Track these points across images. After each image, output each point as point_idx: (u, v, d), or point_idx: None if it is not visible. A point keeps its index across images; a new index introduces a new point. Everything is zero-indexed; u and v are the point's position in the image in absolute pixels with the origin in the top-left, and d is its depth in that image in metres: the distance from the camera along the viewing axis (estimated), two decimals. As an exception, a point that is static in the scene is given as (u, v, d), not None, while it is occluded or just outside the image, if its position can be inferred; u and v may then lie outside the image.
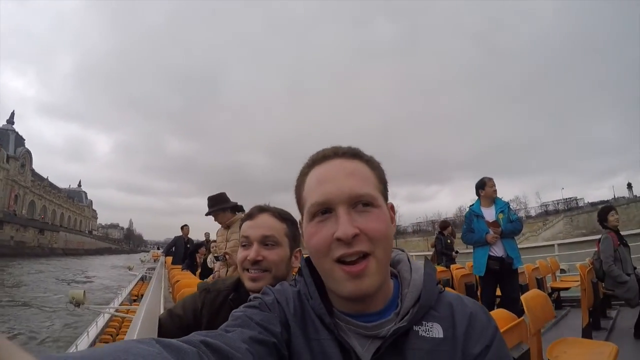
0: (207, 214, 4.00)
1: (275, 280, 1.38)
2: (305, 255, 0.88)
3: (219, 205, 3.97)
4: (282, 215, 1.48)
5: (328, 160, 0.81)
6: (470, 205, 5.11)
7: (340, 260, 0.74)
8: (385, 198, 0.82)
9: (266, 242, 1.41)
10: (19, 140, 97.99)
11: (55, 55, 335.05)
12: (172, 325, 1.52)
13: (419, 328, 0.77)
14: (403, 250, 0.92)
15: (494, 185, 4.88)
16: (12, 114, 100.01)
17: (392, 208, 0.84)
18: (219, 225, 4.16)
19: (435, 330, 0.76)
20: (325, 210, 0.77)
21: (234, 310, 0.79)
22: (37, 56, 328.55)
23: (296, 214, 1.53)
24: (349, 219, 0.74)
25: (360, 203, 0.76)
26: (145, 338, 0.48)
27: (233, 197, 4.11)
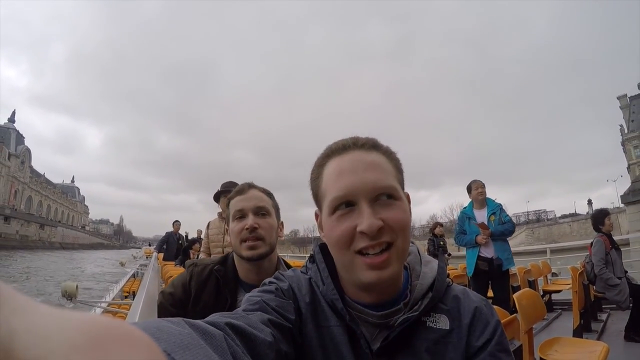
0: (225, 190, 3.80)
1: (269, 248, 1.52)
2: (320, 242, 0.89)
3: None
4: (267, 191, 1.64)
5: (347, 152, 0.80)
6: (463, 208, 5.18)
7: (362, 252, 0.74)
8: (403, 188, 0.82)
9: (259, 212, 1.55)
10: (20, 138, 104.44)
11: (48, 45, 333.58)
12: (166, 304, 1.60)
13: (427, 319, 0.78)
14: (413, 243, 0.92)
15: (479, 188, 4.97)
16: (13, 113, 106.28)
17: (407, 197, 0.84)
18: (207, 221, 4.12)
19: (443, 322, 0.78)
20: (347, 203, 0.77)
21: (249, 294, 0.78)
22: (31, 45, 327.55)
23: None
24: (373, 212, 0.74)
25: (383, 195, 0.76)
26: (175, 318, 0.47)
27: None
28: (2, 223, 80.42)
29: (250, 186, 1.62)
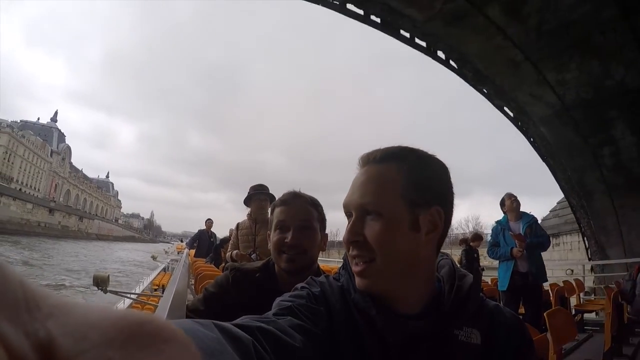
0: (256, 193, 3.84)
1: (309, 261, 1.50)
2: None
3: (271, 197, 3.84)
4: (314, 202, 1.57)
5: (361, 166, 0.83)
6: (498, 220, 5.01)
7: (353, 258, 0.79)
8: (418, 204, 0.78)
9: (302, 226, 1.49)
10: (61, 136, 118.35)
11: (84, 43, 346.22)
12: (210, 299, 1.59)
13: (459, 332, 0.77)
14: (447, 256, 0.91)
15: (512, 197, 4.81)
16: (56, 113, 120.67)
17: (436, 213, 0.79)
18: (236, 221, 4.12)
19: (474, 337, 0.77)
20: (349, 214, 0.82)
21: (280, 299, 0.79)
22: (67, 43, 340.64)
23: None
24: (353, 225, 0.78)
25: (367, 211, 0.78)
26: (204, 320, 0.47)
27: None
28: (47, 214, 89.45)
29: (295, 196, 1.55)
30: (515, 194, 4.87)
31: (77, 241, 77.04)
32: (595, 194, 8.53)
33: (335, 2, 6.41)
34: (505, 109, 8.40)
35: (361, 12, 6.55)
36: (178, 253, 18.47)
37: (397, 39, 6.93)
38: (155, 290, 9.41)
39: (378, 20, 6.65)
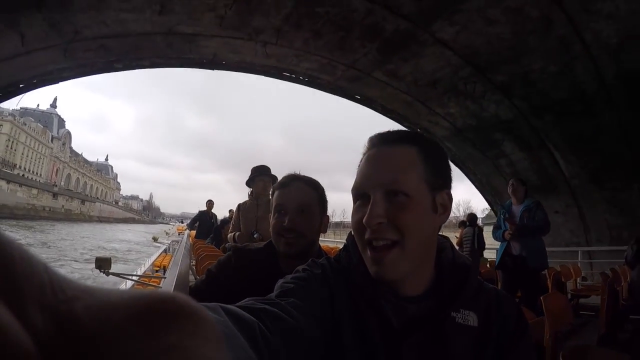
0: (260, 174, 3.81)
1: (308, 244, 1.48)
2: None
3: (273, 178, 3.78)
4: (314, 184, 1.54)
5: (376, 147, 0.80)
6: (502, 203, 5.03)
7: (370, 243, 0.75)
8: (435, 187, 0.78)
9: (300, 208, 1.46)
10: (61, 122, 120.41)
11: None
12: (212, 281, 1.59)
13: (456, 315, 0.76)
14: (447, 238, 0.90)
15: (511, 181, 4.84)
16: (55, 99, 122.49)
17: (447, 196, 0.81)
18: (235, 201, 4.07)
19: (471, 319, 0.77)
20: (362, 195, 0.78)
21: (282, 281, 0.78)
22: None
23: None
24: (378, 206, 0.73)
25: (392, 192, 0.74)
26: (211, 303, 0.46)
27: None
28: (51, 199, 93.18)
29: (294, 179, 1.53)
30: (521, 179, 4.90)
31: (81, 224, 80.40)
32: (504, 194, 9.77)
33: (273, 72, 9.15)
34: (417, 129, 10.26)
35: (293, 76, 9.22)
36: (179, 234, 18.42)
37: (322, 90, 9.80)
38: (157, 271, 9.40)
39: (306, 79, 9.33)
